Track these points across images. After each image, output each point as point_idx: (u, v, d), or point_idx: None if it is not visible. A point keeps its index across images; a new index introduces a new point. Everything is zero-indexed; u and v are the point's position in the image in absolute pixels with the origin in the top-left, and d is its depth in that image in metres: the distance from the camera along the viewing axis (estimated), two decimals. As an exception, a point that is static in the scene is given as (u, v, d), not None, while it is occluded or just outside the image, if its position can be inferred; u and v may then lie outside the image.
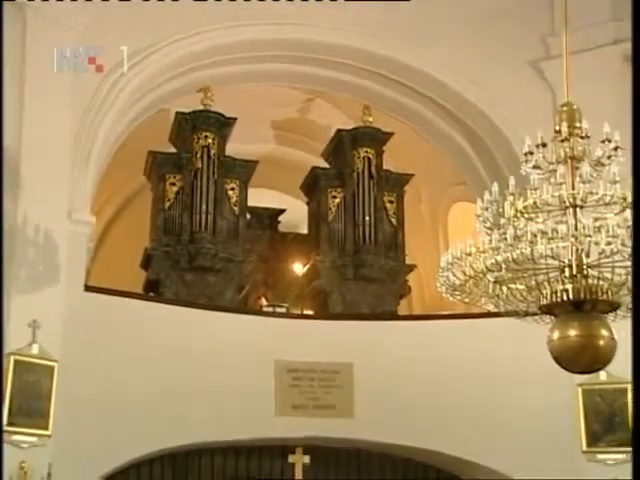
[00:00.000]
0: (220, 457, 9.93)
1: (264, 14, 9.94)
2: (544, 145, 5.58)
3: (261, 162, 12.03)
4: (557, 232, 5.31)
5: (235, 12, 9.84)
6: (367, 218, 11.76)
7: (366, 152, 11.99)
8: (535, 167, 5.56)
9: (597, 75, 9.26)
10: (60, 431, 8.01)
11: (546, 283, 5.52)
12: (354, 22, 10.19)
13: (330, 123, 12.60)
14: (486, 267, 5.46)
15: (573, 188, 5.48)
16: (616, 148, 5.50)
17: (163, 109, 11.36)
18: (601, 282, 5.46)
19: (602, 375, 8.26)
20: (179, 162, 11.50)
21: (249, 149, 12.41)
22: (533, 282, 5.55)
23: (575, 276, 5.43)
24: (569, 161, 5.60)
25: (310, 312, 11.72)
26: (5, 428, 7.71)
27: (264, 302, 12.06)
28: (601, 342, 5.51)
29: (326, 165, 12.52)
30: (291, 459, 9.62)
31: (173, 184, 11.44)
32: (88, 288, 9.00)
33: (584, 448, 9.10)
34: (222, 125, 11.58)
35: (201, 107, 11.52)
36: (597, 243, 5.25)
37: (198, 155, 11.42)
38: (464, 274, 5.60)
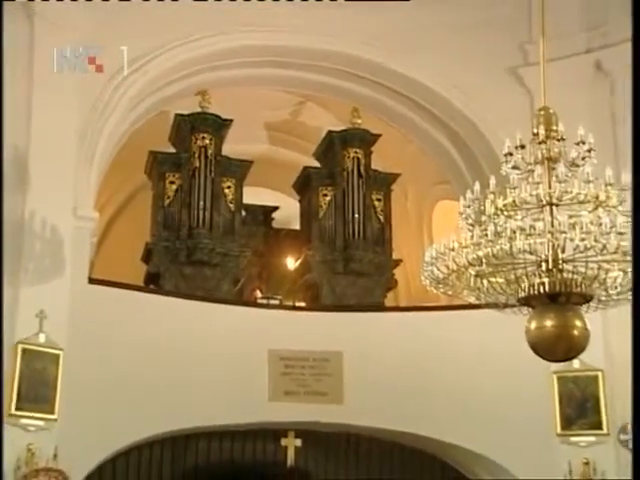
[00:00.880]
0: (216, 440, 9.94)
1: (259, 22, 9.93)
2: (523, 147, 5.61)
3: (256, 162, 12.00)
4: (534, 229, 5.35)
5: (231, 20, 9.84)
6: (356, 215, 11.74)
7: (355, 152, 11.97)
8: (514, 167, 5.59)
9: (572, 81, 9.27)
10: (65, 415, 8.02)
11: (524, 277, 5.53)
12: (344, 30, 10.17)
13: (321, 125, 12.57)
14: (468, 261, 5.48)
15: (549, 187, 5.50)
16: (590, 150, 5.53)
17: (163, 111, 11.32)
18: (575, 276, 5.48)
19: (575, 363, 8.26)
20: (178, 161, 11.47)
21: (244, 149, 12.36)
22: (512, 276, 5.55)
23: (551, 270, 5.45)
24: (546, 162, 5.62)
25: (302, 304, 11.64)
26: (13, 412, 7.73)
27: (259, 294, 12.02)
28: (575, 332, 5.54)
29: (317, 165, 12.49)
30: (284, 442, 9.67)
31: (172, 182, 11.41)
32: (92, 280, 8.98)
33: (558, 431, 9.15)
34: (219, 126, 11.56)
35: (199, 109, 11.48)
36: (572, 239, 5.28)
37: (196, 155, 11.39)
38: (447, 268, 5.62)
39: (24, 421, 7.81)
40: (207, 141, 11.45)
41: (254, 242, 12.38)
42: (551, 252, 5.39)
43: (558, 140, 5.67)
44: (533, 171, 5.58)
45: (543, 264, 5.45)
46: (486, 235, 5.42)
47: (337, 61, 10.58)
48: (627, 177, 5.66)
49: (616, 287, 5.58)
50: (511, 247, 5.29)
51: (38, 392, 7.91)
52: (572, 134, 5.63)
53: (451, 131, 10.81)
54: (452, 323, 9.55)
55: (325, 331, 9.60)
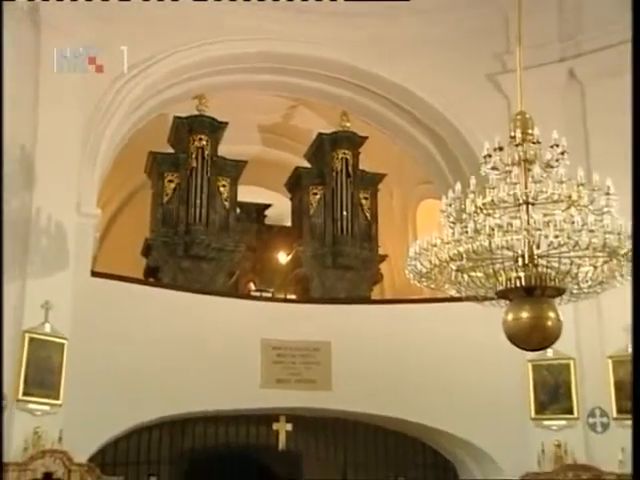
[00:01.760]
0: (212, 424, 9.94)
1: (254, 30, 9.94)
2: (501, 149, 5.62)
3: (250, 162, 11.98)
4: (512, 226, 5.35)
5: (227, 28, 9.84)
6: (344, 213, 11.75)
7: (344, 154, 11.98)
8: (493, 168, 5.59)
9: (546, 88, 9.28)
10: (70, 401, 8.02)
11: (502, 271, 5.54)
12: (334, 38, 10.18)
13: (312, 127, 12.54)
14: (449, 257, 5.48)
15: (526, 187, 5.50)
16: (563, 152, 5.54)
17: (162, 114, 11.28)
18: (549, 270, 5.49)
19: (549, 352, 8.32)
20: (176, 161, 11.45)
21: (239, 150, 12.32)
22: (490, 270, 5.56)
23: (527, 265, 5.46)
24: (522, 163, 5.62)
25: (293, 296, 11.63)
26: (21, 397, 7.73)
27: (252, 287, 12.04)
28: (549, 323, 5.55)
29: (308, 165, 12.47)
30: (275, 427, 9.69)
31: (171, 181, 11.39)
32: (94, 274, 8.97)
33: (532, 415, 9.20)
34: (215, 129, 11.54)
35: (196, 112, 11.47)
36: (546, 236, 5.29)
37: (193, 155, 11.37)
38: (430, 263, 5.62)
39: (31, 406, 7.82)
40: (204, 142, 11.44)
41: (248, 238, 12.35)
42: (527, 248, 5.41)
43: (534, 143, 5.69)
44: (510, 172, 5.59)
45: (519, 259, 5.47)
46: (466, 232, 5.43)
47: (327, 68, 10.59)
48: (597, 178, 5.66)
49: (587, 281, 5.60)
50: (490, 243, 5.30)
51: (44, 379, 7.92)
52: (547, 137, 5.66)
53: (434, 134, 10.83)
54: (434, 315, 9.56)
55: (315, 322, 9.61)
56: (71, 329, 8.23)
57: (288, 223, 12.80)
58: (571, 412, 9.12)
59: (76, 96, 8.75)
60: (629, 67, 9.48)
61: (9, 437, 7.58)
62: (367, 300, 11.50)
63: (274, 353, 9.48)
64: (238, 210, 12.06)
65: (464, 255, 5.42)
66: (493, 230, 5.33)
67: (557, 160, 5.53)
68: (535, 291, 5.53)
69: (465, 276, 5.66)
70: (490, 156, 5.60)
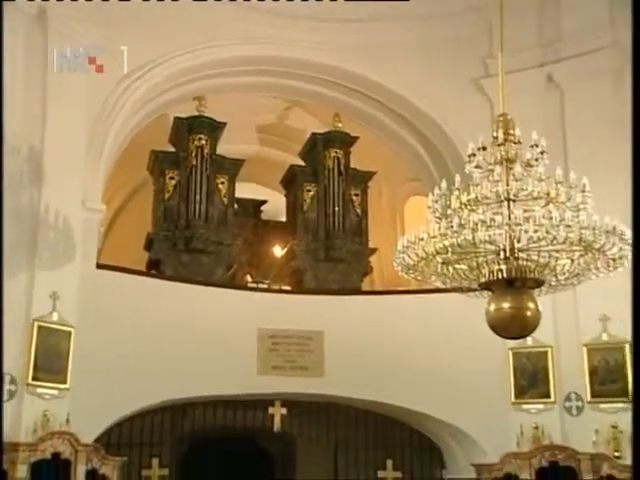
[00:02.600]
0: (211, 408, 9.91)
1: (251, 35, 9.93)
2: (484, 149, 5.66)
3: (247, 160, 11.96)
4: (494, 221, 5.38)
5: (225, 33, 9.83)
6: (336, 209, 11.73)
7: (336, 153, 11.95)
8: (477, 167, 5.63)
9: (527, 91, 9.29)
10: (76, 385, 8.02)
11: (485, 264, 5.58)
12: (327, 43, 10.17)
13: (305, 128, 12.52)
14: (435, 250, 5.51)
15: (507, 185, 5.54)
16: (542, 152, 5.58)
17: (163, 114, 11.24)
18: (529, 263, 5.52)
19: (529, 340, 8.31)
20: (177, 160, 11.41)
21: (237, 149, 12.28)
22: (474, 263, 5.60)
23: (508, 258, 5.49)
24: (504, 162, 5.66)
25: (288, 288, 11.58)
26: (30, 382, 7.73)
27: (249, 279, 11.98)
28: (529, 313, 5.59)
29: (302, 163, 12.43)
30: (271, 410, 9.69)
31: (172, 178, 11.35)
32: (99, 266, 8.95)
33: (513, 400, 9.24)
34: (214, 128, 11.50)
35: (196, 113, 11.43)
36: (526, 231, 5.32)
37: (193, 154, 11.33)
38: (417, 256, 5.64)
39: (40, 390, 7.81)
40: (203, 142, 11.40)
41: (245, 232, 12.31)
42: (508, 242, 5.44)
43: (515, 143, 5.72)
44: (493, 170, 5.62)
45: (501, 253, 5.49)
46: (451, 227, 5.45)
47: (321, 71, 10.57)
48: (574, 176, 5.69)
49: (564, 273, 5.65)
50: (473, 237, 5.33)
51: (52, 364, 7.91)
52: (527, 138, 5.68)
53: (421, 134, 10.83)
54: (421, 305, 9.57)
55: (308, 312, 9.61)
56: (77, 318, 8.21)
57: (283, 218, 12.79)
58: (548, 396, 9.17)
59: (82, 98, 8.72)
60: (605, 71, 9.58)
61: (20, 419, 7.60)
62: (358, 291, 11.48)
63: (270, 341, 9.47)
64: (236, 206, 12.02)
65: (449, 248, 5.45)
66: (477, 225, 5.36)
67: (537, 159, 5.57)
68: (516, 283, 5.57)
69: (450, 268, 5.69)
70: (474, 155, 5.63)
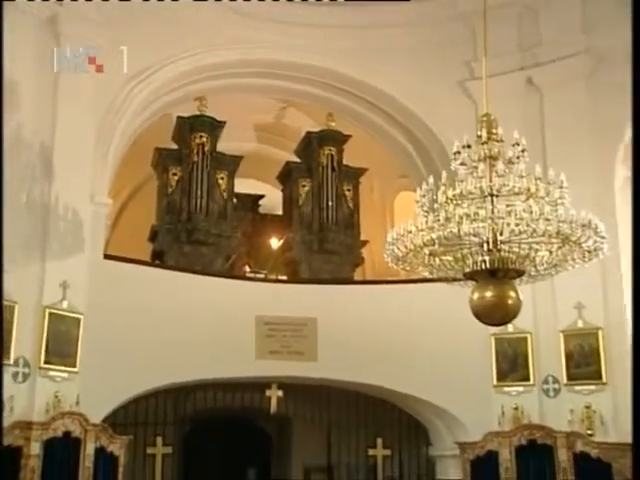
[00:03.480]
0: (211, 391, 9.96)
1: (249, 40, 9.93)
2: (469, 147, 5.67)
3: (245, 157, 11.96)
4: (478, 215, 5.41)
5: (225, 38, 9.83)
6: (330, 203, 11.75)
7: (329, 150, 11.98)
8: (462, 164, 5.65)
9: (508, 93, 9.31)
10: (85, 369, 8.05)
11: (469, 255, 5.60)
12: (321, 47, 10.17)
13: (301, 126, 12.52)
14: (423, 242, 5.53)
15: (490, 181, 5.56)
16: (523, 150, 5.60)
17: (166, 114, 11.22)
18: (511, 255, 5.55)
19: (510, 327, 8.36)
20: (179, 157, 11.42)
21: (236, 147, 12.26)
22: (459, 254, 5.62)
23: (491, 250, 5.52)
24: (487, 160, 5.68)
25: (284, 277, 11.55)
26: (43, 365, 7.76)
27: (247, 269, 11.98)
28: (510, 301, 5.61)
29: (297, 160, 12.45)
30: (268, 393, 9.71)
31: (175, 174, 11.36)
32: (107, 256, 8.96)
33: (494, 383, 9.27)
34: (214, 127, 11.51)
35: (197, 112, 11.44)
36: (508, 224, 5.35)
37: (195, 151, 11.34)
38: (406, 248, 5.66)
39: (52, 373, 7.84)
40: (204, 139, 11.41)
41: (243, 225, 12.28)
42: (491, 235, 5.46)
43: (497, 142, 5.74)
44: (477, 167, 5.65)
45: (484, 245, 5.52)
46: (438, 220, 5.47)
47: (315, 73, 10.57)
48: (552, 173, 5.73)
49: (543, 264, 5.68)
50: (459, 230, 5.35)
51: (63, 349, 7.93)
52: (509, 137, 5.71)
53: (410, 133, 10.83)
54: (409, 294, 9.57)
55: (303, 300, 9.61)
56: (86, 305, 8.23)
57: (279, 212, 12.77)
58: (528, 379, 9.22)
59: (90, 99, 8.73)
60: (580, 75, 9.65)
61: (33, 400, 7.64)
62: (349, 281, 11.52)
63: (267, 328, 9.47)
64: (235, 200, 12.00)
65: (436, 241, 5.47)
66: (462, 219, 5.38)
67: (518, 157, 5.60)
68: (498, 273, 5.59)
69: (437, 259, 5.71)
70: (459, 153, 5.66)
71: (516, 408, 9.06)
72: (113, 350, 8.34)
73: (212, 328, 9.04)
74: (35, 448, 7.28)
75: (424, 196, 5.69)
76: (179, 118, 11.55)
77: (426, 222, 5.55)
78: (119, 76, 8.58)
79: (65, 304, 8.07)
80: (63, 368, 7.90)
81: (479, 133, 5.78)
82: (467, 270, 5.67)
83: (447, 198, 5.56)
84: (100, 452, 7.79)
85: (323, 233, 11.68)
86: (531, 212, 5.36)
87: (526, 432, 8.79)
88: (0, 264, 6.21)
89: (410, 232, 5.62)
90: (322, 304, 9.60)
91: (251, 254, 12.44)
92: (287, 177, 12.35)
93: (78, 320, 8.12)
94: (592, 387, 8.84)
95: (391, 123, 10.94)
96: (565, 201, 5.56)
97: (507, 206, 5.44)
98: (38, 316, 7.86)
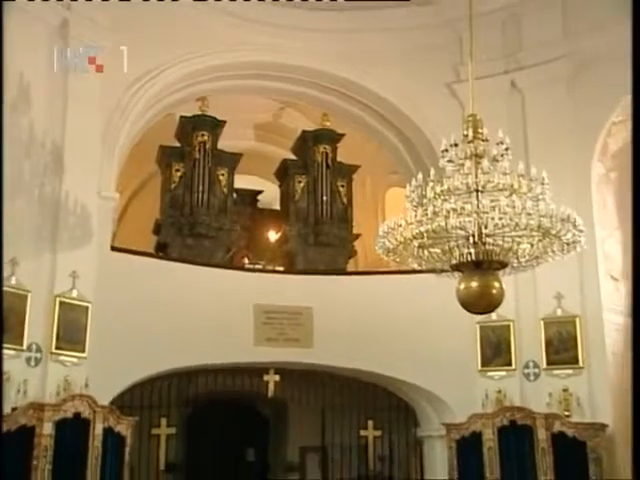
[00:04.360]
0: (212, 376, 9.95)
1: (248, 43, 9.91)
2: (456, 145, 5.71)
3: (244, 154, 11.90)
4: (464, 210, 5.45)
5: (225, 41, 9.81)
6: (324, 198, 11.69)
7: (324, 148, 11.90)
8: (449, 161, 5.69)
9: (493, 95, 9.30)
10: (94, 354, 8.06)
11: (456, 248, 5.64)
12: (317, 50, 10.16)
13: (297, 126, 12.49)
14: (412, 235, 5.57)
15: (476, 177, 5.60)
16: (506, 149, 5.64)
17: (170, 113, 11.20)
18: (495, 247, 5.59)
19: (494, 315, 8.34)
20: (182, 154, 11.35)
21: (235, 144, 12.20)
22: (446, 247, 5.66)
23: (476, 243, 5.56)
24: (473, 157, 5.72)
25: (281, 268, 11.57)
26: (54, 351, 7.79)
27: (246, 261, 12.01)
28: (494, 291, 5.68)
29: (294, 157, 12.38)
30: (265, 378, 9.73)
31: (177, 170, 11.27)
32: (114, 248, 8.96)
33: (479, 368, 9.32)
34: (215, 126, 11.45)
35: (199, 112, 11.37)
36: (492, 218, 5.39)
37: (197, 149, 11.25)
38: (396, 240, 5.70)
39: (62, 358, 7.86)
40: (205, 138, 11.34)
41: (243, 219, 12.23)
42: (477, 228, 5.49)
43: (483, 140, 5.79)
44: (463, 164, 5.68)
45: (470, 238, 5.56)
46: (427, 214, 5.50)
47: (311, 75, 10.57)
48: (534, 170, 5.79)
49: (525, 256, 5.73)
50: (446, 224, 5.39)
51: (72, 336, 7.95)
52: (493, 136, 5.75)
53: (400, 132, 10.84)
54: (399, 284, 9.56)
55: (299, 290, 9.63)
56: (94, 294, 8.24)
57: (277, 207, 12.73)
58: (510, 364, 9.27)
59: (98, 100, 8.72)
60: (560, 79, 9.72)
61: (45, 383, 7.68)
62: (343, 272, 11.50)
63: (265, 316, 9.48)
64: (234, 195, 11.95)
65: (424, 234, 5.51)
66: (449, 213, 5.42)
67: (502, 155, 5.64)
68: (483, 265, 5.64)
69: (425, 252, 5.74)
70: (447, 151, 5.70)
71: (499, 391, 9.11)
72: (120, 336, 8.35)
73: (213, 316, 9.05)
74: (47, 428, 7.31)
75: (413, 191, 5.71)
76: (182, 117, 11.51)
77: (415, 216, 5.57)
78: (125, 78, 8.58)
79: (75, 293, 8.08)
80: (73, 353, 7.92)
81: (465, 132, 5.81)
82: (454, 262, 5.71)
83: (435, 193, 5.59)
84: (108, 432, 7.82)
85: (318, 226, 11.65)
86: (514, 207, 5.39)
87: (508, 414, 8.84)
88: (0, 254, 6.25)
89: (400, 226, 5.65)
90: (317, 294, 9.62)
91: (250, 246, 12.43)
92: (284, 173, 12.30)
93: (86, 308, 8.13)
94: (569, 371, 8.92)
95: (383, 123, 10.95)
96: (546, 197, 5.61)
97: (492, 201, 5.48)
98: (49, 304, 7.88)
